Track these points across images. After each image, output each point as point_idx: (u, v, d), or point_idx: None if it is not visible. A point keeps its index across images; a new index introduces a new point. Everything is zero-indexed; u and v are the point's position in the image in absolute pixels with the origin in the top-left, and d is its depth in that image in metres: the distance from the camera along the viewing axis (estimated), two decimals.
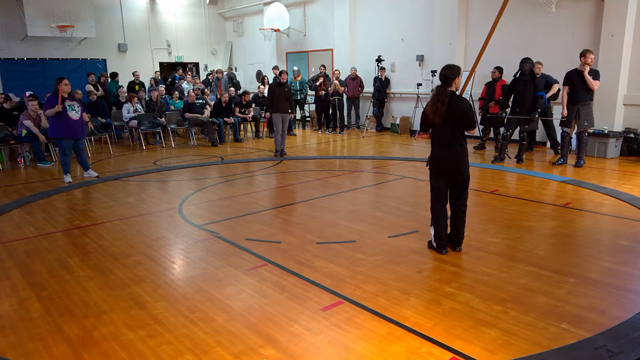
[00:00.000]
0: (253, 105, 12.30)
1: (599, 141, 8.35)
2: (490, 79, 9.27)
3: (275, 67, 14.21)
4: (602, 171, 7.40)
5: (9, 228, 5.23)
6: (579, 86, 7.39)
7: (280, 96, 9.37)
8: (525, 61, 7.80)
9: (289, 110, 9.58)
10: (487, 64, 9.44)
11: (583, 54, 7.34)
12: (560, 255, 4.11)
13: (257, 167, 8.49)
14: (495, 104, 8.92)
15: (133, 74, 13.51)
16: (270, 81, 13.88)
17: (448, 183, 4.09)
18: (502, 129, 9.13)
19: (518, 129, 8.13)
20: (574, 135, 7.93)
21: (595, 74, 7.39)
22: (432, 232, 4.18)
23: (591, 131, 7.94)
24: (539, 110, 7.80)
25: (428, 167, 4.18)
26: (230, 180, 7.38)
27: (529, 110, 7.83)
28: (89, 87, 12.17)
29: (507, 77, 9.00)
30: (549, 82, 8.36)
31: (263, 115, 12.51)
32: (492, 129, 9.45)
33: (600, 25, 8.57)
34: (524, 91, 7.80)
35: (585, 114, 7.49)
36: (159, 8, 16.28)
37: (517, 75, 7.94)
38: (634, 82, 8.48)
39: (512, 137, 8.37)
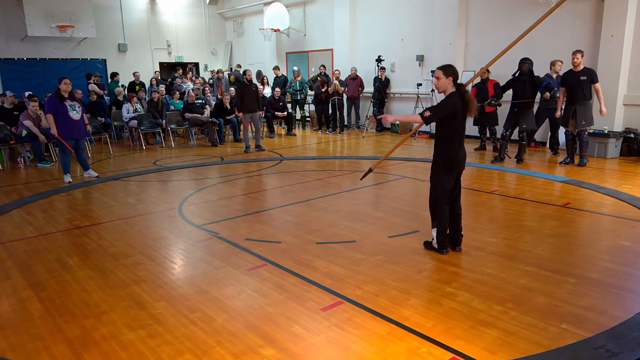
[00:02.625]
0: None
1: (599, 141, 8.35)
2: (479, 80, 9.24)
3: (277, 67, 14.21)
4: (602, 171, 7.40)
5: (9, 228, 5.23)
6: (574, 87, 7.41)
7: (248, 96, 9.52)
8: (525, 61, 7.81)
9: (257, 109, 9.82)
10: (483, 64, 9.47)
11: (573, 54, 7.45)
12: (560, 255, 4.11)
13: (257, 167, 8.49)
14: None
15: (133, 74, 13.52)
16: (271, 82, 13.92)
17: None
18: (497, 128, 9.17)
19: (517, 129, 8.14)
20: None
21: (593, 75, 7.40)
22: (435, 233, 4.12)
23: (591, 131, 7.94)
24: (555, 90, 7.78)
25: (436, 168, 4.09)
26: (230, 180, 7.38)
27: (531, 110, 7.83)
28: (93, 87, 12.19)
29: (501, 77, 9.03)
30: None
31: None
32: (487, 128, 9.43)
33: (600, 25, 8.57)
34: (522, 91, 7.80)
35: (582, 113, 7.49)
36: (159, 8, 16.28)
37: (517, 74, 7.95)
38: (634, 82, 8.48)
39: (512, 137, 8.38)
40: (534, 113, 8.17)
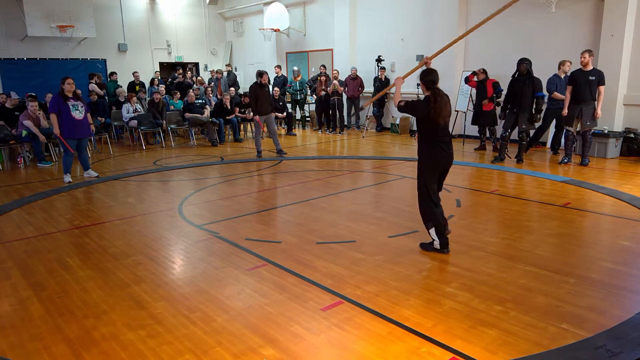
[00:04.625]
0: None
1: (599, 141, 8.35)
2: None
3: (278, 66, 14.20)
4: (602, 171, 7.40)
5: (9, 228, 5.23)
6: (582, 86, 7.41)
7: (262, 98, 9.18)
8: (523, 62, 7.81)
9: (271, 111, 9.42)
10: (485, 64, 9.46)
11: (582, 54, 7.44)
12: (560, 255, 4.11)
13: (257, 167, 8.49)
14: (488, 101, 8.91)
15: (133, 74, 13.52)
16: (272, 80, 13.90)
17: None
18: (496, 128, 9.16)
19: (517, 129, 8.14)
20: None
21: (601, 77, 7.44)
22: (434, 233, 4.12)
23: (592, 131, 7.94)
24: (541, 110, 7.85)
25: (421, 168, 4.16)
26: (230, 180, 7.38)
27: (529, 111, 7.84)
28: (93, 87, 12.18)
29: (501, 77, 9.02)
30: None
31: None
32: (487, 128, 9.43)
33: (600, 25, 8.56)
34: (521, 91, 7.81)
35: (588, 113, 7.51)
36: (159, 8, 16.27)
37: (516, 75, 7.96)
38: (634, 82, 8.47)
39: (512, 137, 8.38)
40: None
